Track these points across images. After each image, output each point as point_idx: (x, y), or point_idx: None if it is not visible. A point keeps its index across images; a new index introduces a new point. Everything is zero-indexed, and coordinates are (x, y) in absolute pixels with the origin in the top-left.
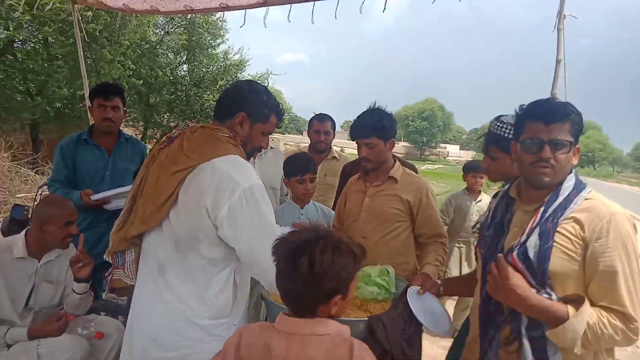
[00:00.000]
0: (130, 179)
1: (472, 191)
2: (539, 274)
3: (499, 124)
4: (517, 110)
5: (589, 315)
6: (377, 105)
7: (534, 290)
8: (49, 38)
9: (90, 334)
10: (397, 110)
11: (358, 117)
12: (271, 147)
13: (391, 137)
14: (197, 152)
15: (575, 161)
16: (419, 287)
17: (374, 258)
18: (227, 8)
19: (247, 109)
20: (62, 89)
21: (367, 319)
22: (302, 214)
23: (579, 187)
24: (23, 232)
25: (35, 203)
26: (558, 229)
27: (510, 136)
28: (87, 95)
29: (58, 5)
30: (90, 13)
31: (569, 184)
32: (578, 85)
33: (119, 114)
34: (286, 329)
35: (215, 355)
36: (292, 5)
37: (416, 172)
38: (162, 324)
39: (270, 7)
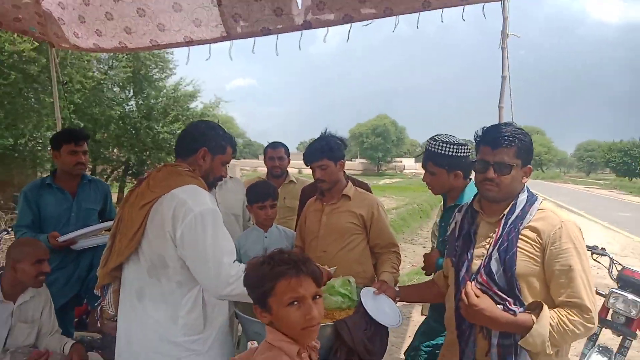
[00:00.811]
0: (95, 219)
1: None
2: (508, 279)
3: (433, 142)
4: (476, 134)
5: (550, 317)
6: (327, 131)
7: (500, 307)
8: None
9: None
10: (350, 128)
11: (309, 144)
12: (230, 177)
13: (340, 158)
14: (160, 186)
15: (525, 179)
16: (374, 289)
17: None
18: (191, 42)
19: (208, 143)
20: (6, 138)
21: (332, 323)
22: (266, 237)
23: (531, 200)
24: None
25: None
26: (520, 236)
27: (444, 152)
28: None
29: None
30: (32, 53)
31: (522, 197)
32: (519, 93)
33: (87, 157)
34: None
35: None
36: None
37: (369, 190)
38: (143, 345)
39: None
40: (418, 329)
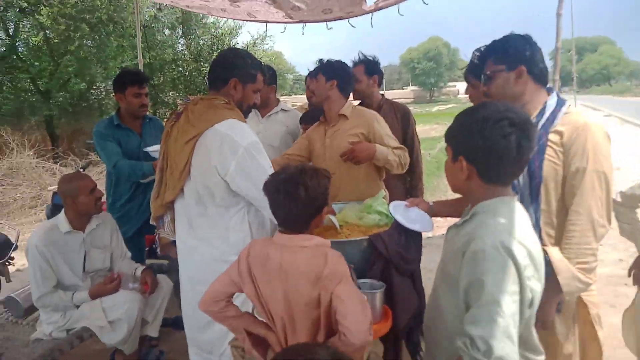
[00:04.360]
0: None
1: None
2: (533, 186)
3: (478, 54)
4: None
5: (561, 260)
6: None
7: None
8: (47, 31)
9: (140, 288)
10: (401, 54)
11: None
12: (282, 109)
13: (332, 78)
14: (201, 121)
15: (518, 85)
16: (406, 202)
17: (341, 190)
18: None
19: (237, 73)
20: (79, 84)
21: (368, 237)
22: None
23: (560, 104)
24: (62, 211)
25: None
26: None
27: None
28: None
29: None
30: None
31: (551, 101)
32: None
33: (148, 98)
34: (280, 242)
35: (234, 262)
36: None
37: (408, 113)
38: (197, 265)
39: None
40: None
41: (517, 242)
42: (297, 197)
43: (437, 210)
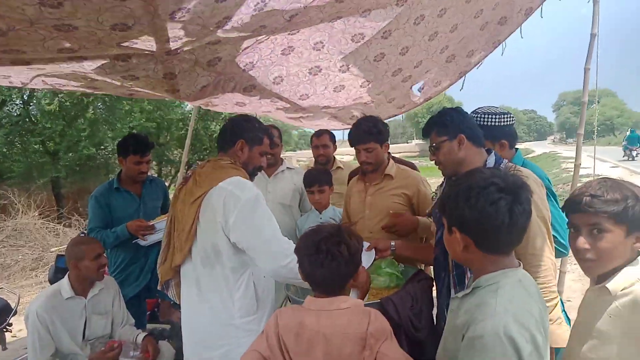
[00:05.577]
0: (158, 214)
1: None
2: None
3: (474, 115)
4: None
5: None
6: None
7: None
8: (60, 95)
9: (141, 356)
10: None
11: (354, 125)
12: (288, 167)
13: (385, 140)
14: (207, 181)
15: (461, 151)
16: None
17: None
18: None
19: (245, 135)
20: (88, 148)
21: (379, 300)
22: (320, 218)
23: (498, 161)
24: (66, 276)
25: None
26: None
27: (484, 123)
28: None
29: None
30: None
31: (490, 160)
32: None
33: (149, 164)
34: (316, 307)
35: (260, 335)
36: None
37: (416, 169)
38: (204, 329)
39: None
40: None
41: (519, 326)
42: (339, 255)
43: (399, 250)
